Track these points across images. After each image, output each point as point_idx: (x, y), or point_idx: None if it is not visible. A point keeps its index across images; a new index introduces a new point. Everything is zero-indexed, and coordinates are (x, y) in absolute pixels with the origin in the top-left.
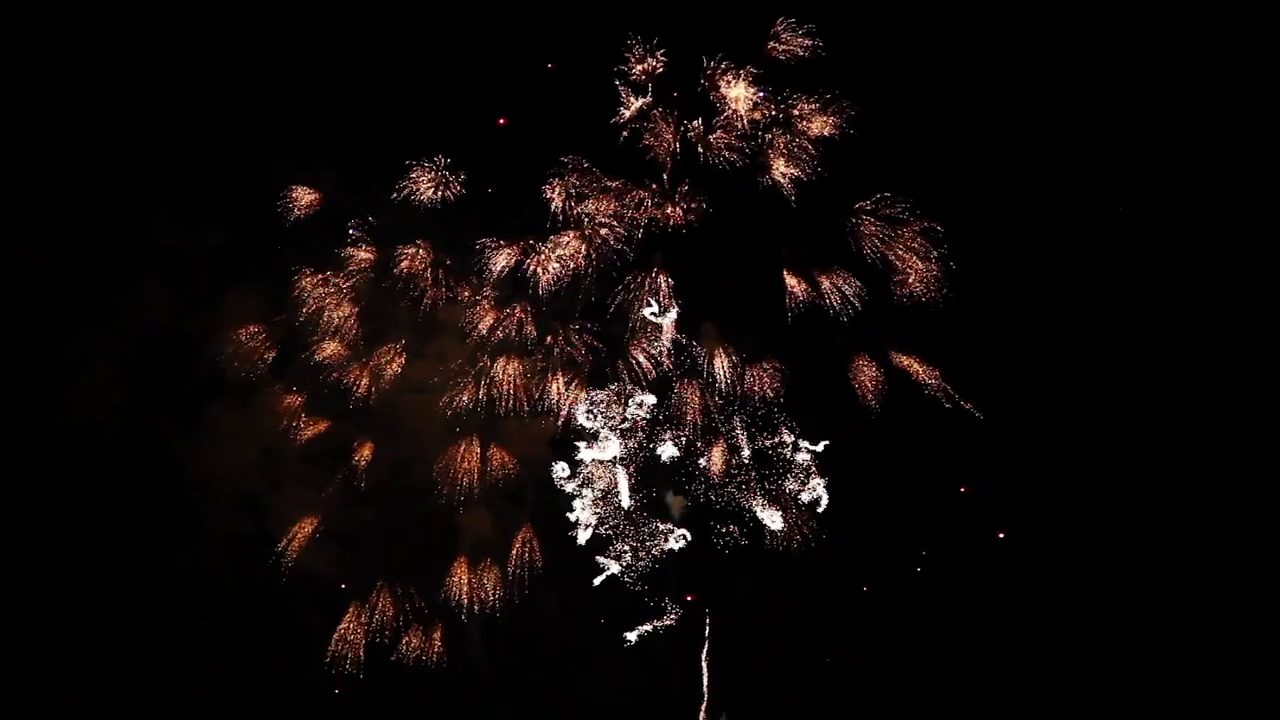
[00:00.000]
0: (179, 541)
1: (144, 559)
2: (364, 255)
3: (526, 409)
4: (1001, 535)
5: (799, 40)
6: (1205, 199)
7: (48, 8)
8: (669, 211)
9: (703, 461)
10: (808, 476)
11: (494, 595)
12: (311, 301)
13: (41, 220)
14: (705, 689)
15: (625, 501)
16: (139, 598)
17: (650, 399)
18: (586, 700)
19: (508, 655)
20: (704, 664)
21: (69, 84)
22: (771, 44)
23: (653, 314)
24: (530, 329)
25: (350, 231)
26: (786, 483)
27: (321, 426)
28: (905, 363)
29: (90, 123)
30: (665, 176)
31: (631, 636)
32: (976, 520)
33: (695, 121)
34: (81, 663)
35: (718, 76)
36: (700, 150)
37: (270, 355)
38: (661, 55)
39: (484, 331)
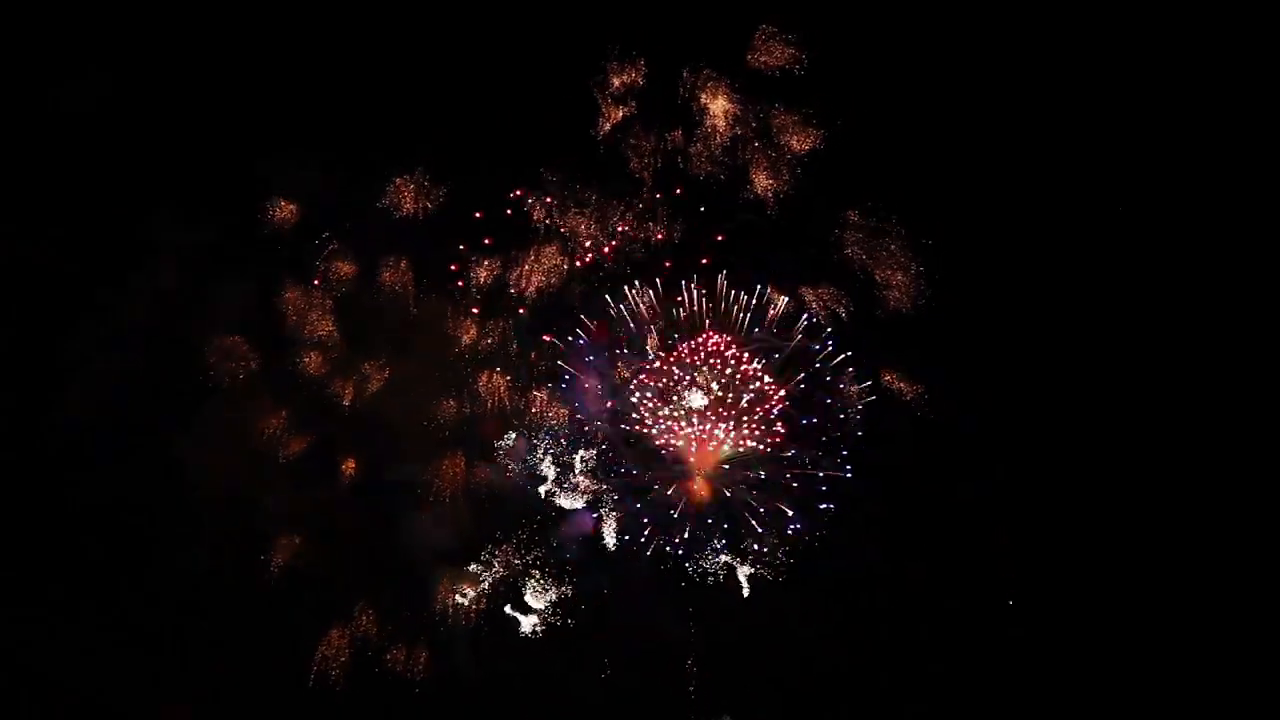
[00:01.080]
0: (179, 541)
1: (144, 559)
2: (346, 268)
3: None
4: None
5: (780, 50)
6: (1191, 205)
7: (48, 8)
8: (650, 225)
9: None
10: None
11: (479, 604)
12: (295, 314)
13: (41, 220)
14: (692, 692)
15: (610, 542)
16: (139, 598)
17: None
18: (576, 704)
19: (494, 661)
20: (691, 669)
21: (69, 84)
22: (752, 55)
23: (637, 329)
24: (513, 343)
25: (329, 246)
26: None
27: (304, 442)
28: (890, 379)
29: (90, 123)
30: (646, 190)
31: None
32: (976, 522)
33: (676, 133)
34: (81, 663)
35: (698, 88)
36: (681, 163)
37: (256, 363)
38: (642, 66)
39: (466, 345)
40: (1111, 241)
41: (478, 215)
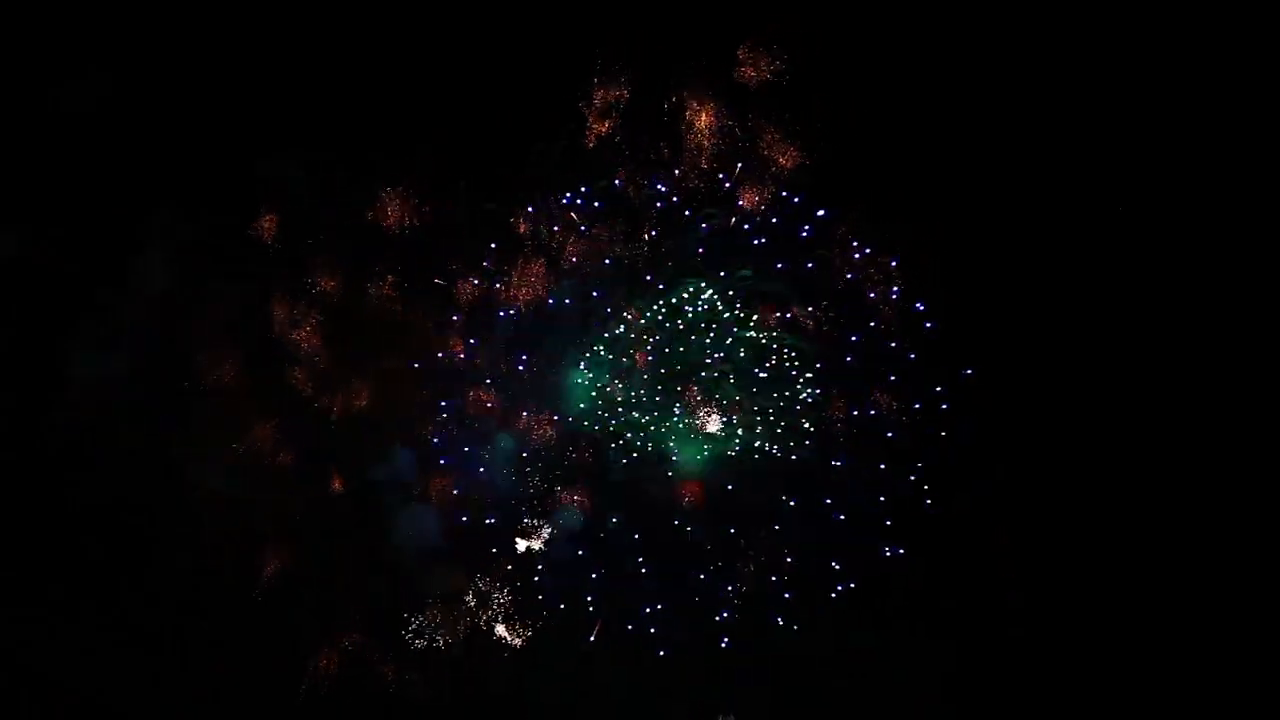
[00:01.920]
0: (179, 541)
1: (144, 559)
2: (332, 281)
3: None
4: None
5: (766, 65)
6: (1189, 204)
7: (48, 8)
8: (635, 245)
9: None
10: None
11: (471, 608)
12: (283, 324)
13: (41, 220)
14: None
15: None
16: (139, 598)
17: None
18: (574, 706)
19: (488, 663)
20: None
21: (69, 84)
22: (737, 69)
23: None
24: (500, 361)
25: (316, 256)
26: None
27: (296, 449)
28: (882, 399)
29: (90, 123)
30: (632, 205)
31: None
32: (975, 521)
33: (663, 149)
34: (81, 663)
35: (684, 103)
36: (666, 179)
37: (250, 368)
38: (625, 81)
39: (452, 361)
40: (1109, 240)
41: (464, 228)
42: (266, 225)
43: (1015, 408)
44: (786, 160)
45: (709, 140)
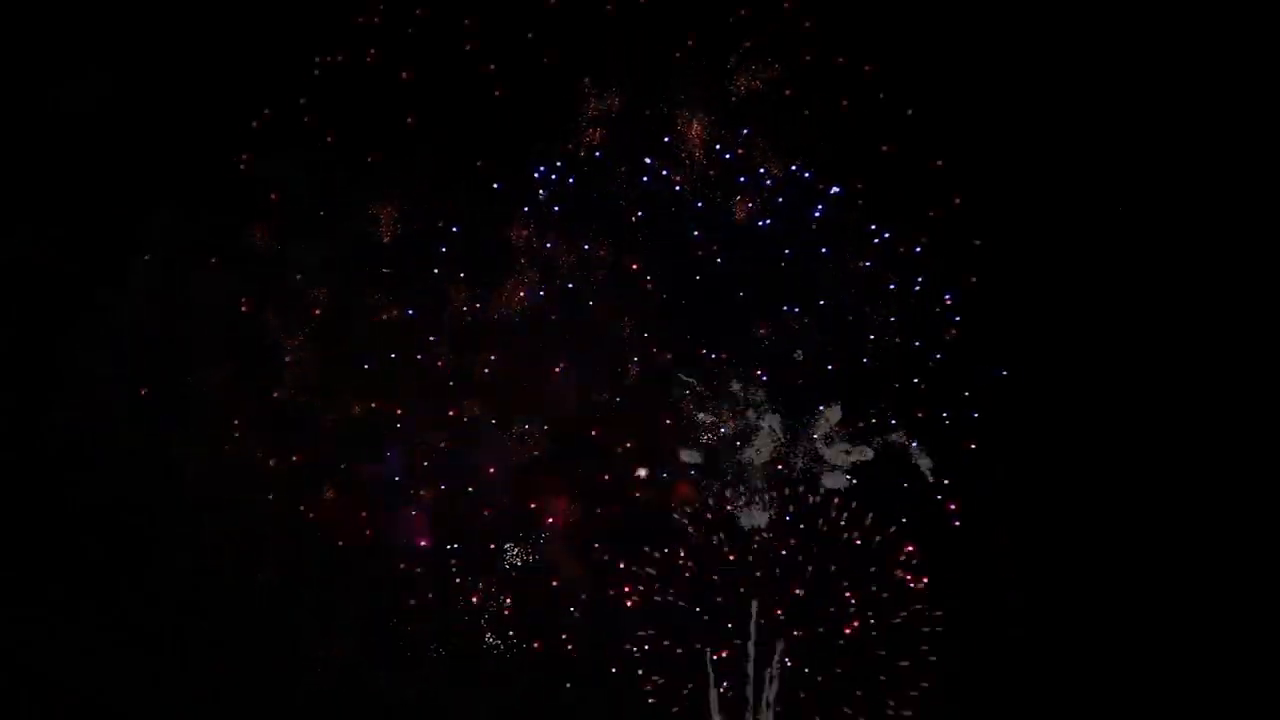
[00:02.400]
0: (179, 541)
1: (144, 559)
2: (319, 294)
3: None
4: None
5: (758, 75)
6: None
7: (48, 8)
8: (627, 258)
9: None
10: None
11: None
12: (276, 331)
13: (41, 220)
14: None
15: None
16: (139, 598)
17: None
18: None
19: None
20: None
21: (69, 84)
22: (732, 79)
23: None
24: (491, 373)
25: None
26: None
27: (292, 455)
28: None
29: (90, 123)
30: (623, 217)
31: None
32: (975, 520)
33: (655, 159)
34: (81, 663)
35: (674, 114)
36: (658, 191)
37: (244, 371)
38: (616, 92)
39: (445, 375)
40: (1108, 239)
41: (460, 232)
42: (264, 228)
43: (1014, 407)
44: (778, 169)
45: (701, 149)
